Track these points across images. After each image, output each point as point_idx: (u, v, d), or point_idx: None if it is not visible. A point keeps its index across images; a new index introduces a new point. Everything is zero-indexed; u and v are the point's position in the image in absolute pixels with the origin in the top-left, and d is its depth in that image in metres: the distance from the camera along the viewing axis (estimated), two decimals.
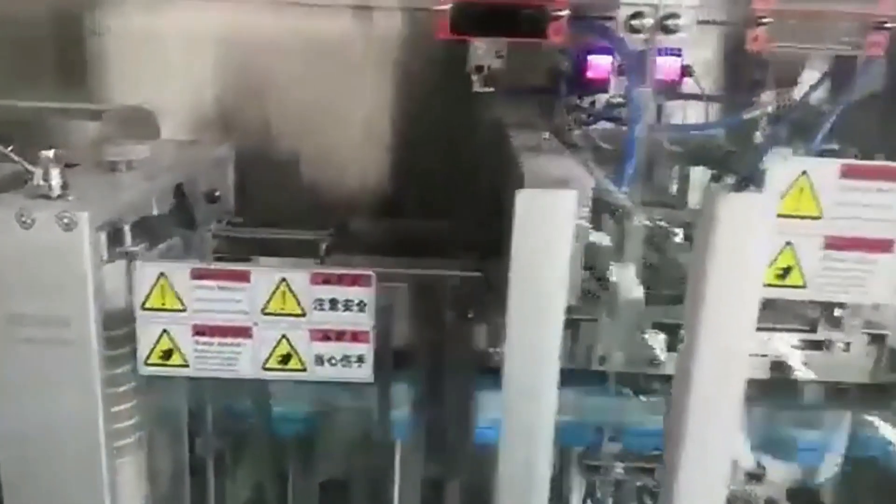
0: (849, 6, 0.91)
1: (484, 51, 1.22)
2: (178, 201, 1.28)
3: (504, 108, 1.35)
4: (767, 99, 1.14)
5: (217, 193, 1.46)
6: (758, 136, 1.15)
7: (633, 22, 0.84)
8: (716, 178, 1.18)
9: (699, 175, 1.29)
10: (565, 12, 0.86)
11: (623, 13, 0.85)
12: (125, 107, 1.60)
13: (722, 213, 0.80)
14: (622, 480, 1.22)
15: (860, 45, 0.91)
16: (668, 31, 0.84)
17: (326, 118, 1.61)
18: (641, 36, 0.86)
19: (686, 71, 1.23)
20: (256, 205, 1.49)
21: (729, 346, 0.84)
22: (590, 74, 1.22)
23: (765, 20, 0.88)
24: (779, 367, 1.09)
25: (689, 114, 1.39)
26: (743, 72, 1.25)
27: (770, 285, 0.87)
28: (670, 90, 1.21)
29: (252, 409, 1.22)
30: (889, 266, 0.87)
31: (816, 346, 1.07)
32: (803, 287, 0.88)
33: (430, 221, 1.39)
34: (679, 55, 1.21)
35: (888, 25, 0.87)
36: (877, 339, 1.09)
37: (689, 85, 1.28)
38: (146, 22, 1.58)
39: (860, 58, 0.96)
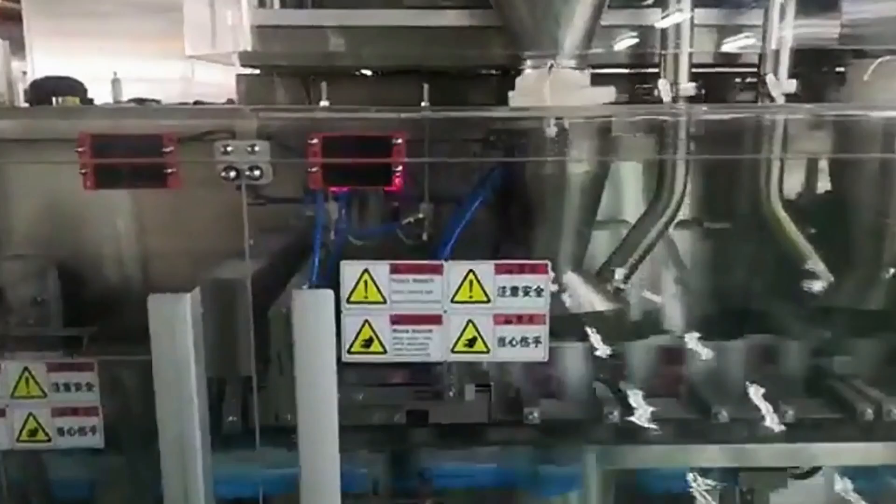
0: None
1: None
2: None
3: None
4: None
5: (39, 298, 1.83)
6: None
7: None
8: None
9: None
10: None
11: None
12: None
13: (297, 304, 1.15)
14: None
15: None
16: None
17: None
18: None
19: None
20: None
21: (318, 390, 1.17)
22: None
23: None
24: None
25: None
26: None
27: (357, 352, 1.21)
28: None
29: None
30: (440, 333, 1.21)
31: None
32: (384, 353, 1.22)
33: None
34: None
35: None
36: None
37: None
38: None
39: None
